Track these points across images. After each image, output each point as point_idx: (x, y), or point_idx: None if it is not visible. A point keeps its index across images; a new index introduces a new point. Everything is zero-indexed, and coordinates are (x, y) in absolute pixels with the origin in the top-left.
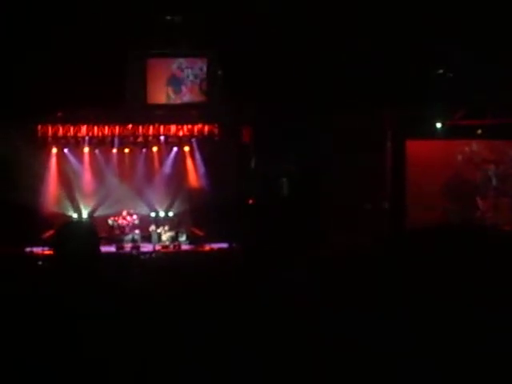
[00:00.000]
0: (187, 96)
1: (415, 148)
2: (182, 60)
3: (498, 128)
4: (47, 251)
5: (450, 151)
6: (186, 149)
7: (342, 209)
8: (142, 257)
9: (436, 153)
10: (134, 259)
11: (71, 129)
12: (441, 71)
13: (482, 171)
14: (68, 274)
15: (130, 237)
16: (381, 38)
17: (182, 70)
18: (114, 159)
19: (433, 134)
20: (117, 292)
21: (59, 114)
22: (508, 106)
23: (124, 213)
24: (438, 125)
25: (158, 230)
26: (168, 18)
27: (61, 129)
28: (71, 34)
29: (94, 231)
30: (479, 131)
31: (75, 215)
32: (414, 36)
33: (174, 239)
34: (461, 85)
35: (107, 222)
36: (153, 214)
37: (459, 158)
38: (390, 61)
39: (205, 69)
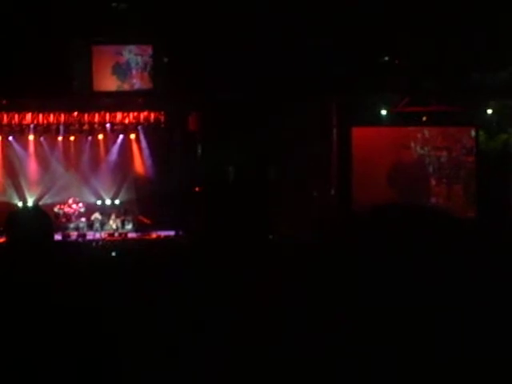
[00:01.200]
0: (135, 83)
1: (361, 135)
2: (131, 47)
3: (443, 115)
4: None
5: (399, 138)
6: (132, 136)
7: (290, 197)
8: (91, 244)
9: (384, 140)
10: (81, 247)
11: (16, 116)
12: (386, 58)
13: (433, 158)
14: (23, 259)
15: (75, 225)
16: (328, 25)
17: (129, 57)
18: (60, 147)
19: (379, 120)
20: (71, 275)
21: (4, 102)
22: (453, 92)
23: (70, 201)
24: (384, 112)
25: (104, 219)
26: (114, 4)
27: (5, 116)
28: (15, 20)
29: (46, 215)
30: (424, 118)
31: (20, 203)
32: (360, 23)
33: (121, 227)
34: (406, 72)
35: (53, 210)
36: (99, 202)
37: (410, 144)
38: (337, 48)
39: (151, 55)
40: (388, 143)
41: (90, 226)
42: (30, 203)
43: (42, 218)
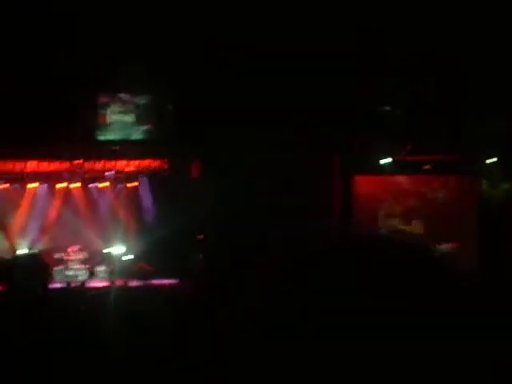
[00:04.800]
0: (136, 132)
1: (363, 183)
2: (134, 96)
3: (446, 164)
4: None
5: (399, 186)
6: (135, 184)
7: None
8: (89, 293)
9: (385, 188)
10: (82, 295)
11: (16, 164)
12: (388, 108)
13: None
14: (18, 307)
15: (76, 273)
16: (329, 74)
17: (132, 106)
18: (61, 195)
19: (380, 169)
20: (65, 325)
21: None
22: (455, 142)
23: (70, 249)
24: (386, 160)
25: (106, 267)
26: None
27: (6, 164)
28: (21, 69)
29: (44, 264)
30: (427, 166)
31: (22, 250)
32: (361, 72)
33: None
34: (408, 121)
35: (53, 257)
36: (100, 250)
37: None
38: (338, 97)
39: (155, 105)
40: (389, 191)
41: (92, 273)
42: (30, 250)
43: (38, 268)
